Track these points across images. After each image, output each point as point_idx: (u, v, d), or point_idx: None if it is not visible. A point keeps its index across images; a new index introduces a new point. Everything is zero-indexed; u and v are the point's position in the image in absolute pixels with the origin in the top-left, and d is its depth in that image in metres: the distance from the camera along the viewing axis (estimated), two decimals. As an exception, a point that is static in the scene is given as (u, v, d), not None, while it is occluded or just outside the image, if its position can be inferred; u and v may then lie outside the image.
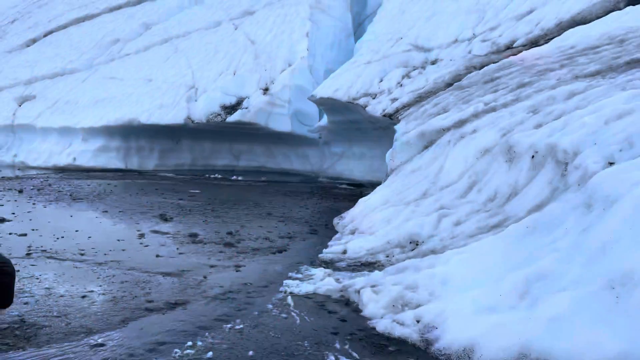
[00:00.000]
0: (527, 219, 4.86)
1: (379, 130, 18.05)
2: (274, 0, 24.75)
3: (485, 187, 6.91)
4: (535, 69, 9.14)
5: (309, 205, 12.29)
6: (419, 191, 7.93)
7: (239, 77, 21.22)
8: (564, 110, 6.92)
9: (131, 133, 21.82)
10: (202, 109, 20.51)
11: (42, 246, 7.21)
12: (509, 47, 15.25)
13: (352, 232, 8.03)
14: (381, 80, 17.06)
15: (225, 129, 21.95)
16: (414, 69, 17.05)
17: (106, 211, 10.34)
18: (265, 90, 20.72)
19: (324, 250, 7.40)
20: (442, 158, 8.21)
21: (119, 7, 32.23)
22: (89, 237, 7.87)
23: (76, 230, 8.32)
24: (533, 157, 6.33)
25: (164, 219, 9.70)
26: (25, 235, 7.88)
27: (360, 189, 16.96)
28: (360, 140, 20.29)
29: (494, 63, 14.27)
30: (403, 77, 16.78)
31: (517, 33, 15.40)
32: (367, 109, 16.02)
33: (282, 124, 20.40)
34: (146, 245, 7.53)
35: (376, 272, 5.87)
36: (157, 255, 6.96)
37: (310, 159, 22.38)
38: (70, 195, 12.53)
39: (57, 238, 7.75)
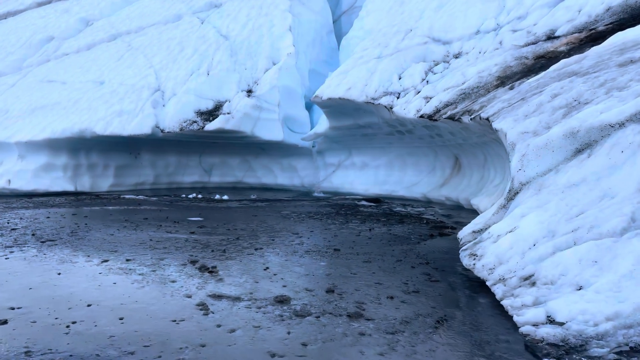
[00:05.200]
0: None
1: (395, 135, 15.57)
2: (244, -9, 21.68)
3: None
4: None
5: (364, 232, 9.49)
6: (616, 215, 5.42)
7: (214, 78, 17.98)
8: None
9: (81, 147, 17.89)
10: (174, 116, 17.09)
11: (50, 349, 3.97)
12: (550, 36, 13.33)
13: (530, 282, 5.36)
14: (400, 77, 14.61)
15: (194, 140, 18.61)
16: (436, 64, 14.74)
17: (106, 260, 6.98)
18: (249, 92, 17.64)
19: (518, 319, 4.71)
20: (632, 165, 5.77)
21: (48, 2, 27.68)
22: (121, 320, 4.65)
23: (88, 305, 5.04)
24: None
25: (204, 268, 6.54)
26: (5, 323, 4.53)
27: (383, 205, 14.33)
28: (362, 149, 17.73)
29: (554, 52, 12.28)
30: (427, 73, 14.43)
31: (556, 21, 13.48)
32: (394, 109, 13.46)
33: (272, 132, 17.39)
34: (231, 330, 4.45)
35: None
36: (273, 355, 3.95)
37: (300, 172, 19.48)
38: (33, 234, 8.90)
39: (67, 325, 4.48)
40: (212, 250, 7.69)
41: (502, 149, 12.02)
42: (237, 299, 5.32)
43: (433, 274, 6.63)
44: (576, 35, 12.44)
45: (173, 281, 5.96)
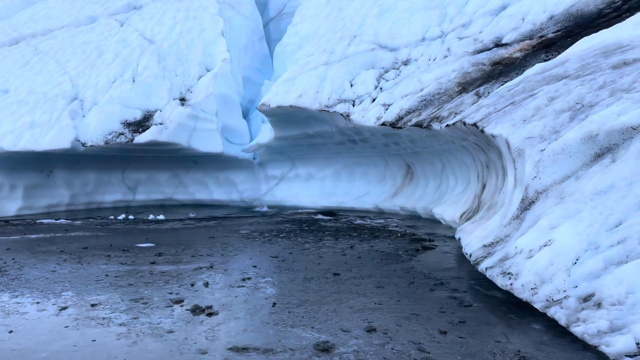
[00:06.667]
0: None
1: (346, 144, 14.91)
2: (168, -7, 20.09)
3: None
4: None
5: (348, 251, 8.65)
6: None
7: (141, 85, 16.30)
8: None
9: (-19, 165, 15.36)
10: (97, 128, 15.21)
11: None
12: (497, 43, 13.48)
13: (594, 303, 4.82)
14: (352, 84, 14.01)
15: (117, 154, 16.75)
16: (386, 71, 14.35)
17: (65, 307, 5.50)
18: (182, 100, 16.16)
19: (608, 350, 4.13)
20: (669, 171, 5.48)
21: None
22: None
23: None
24: None
25: (198, 309, 5.33)
26: None
27: (341, 218, 13.57)
28: (307, 159, 16.90)
29: (510, 58, 12.28)
30: (378, 80, 13.96)
31: (501, 29, 13.71)
32: (351, 117, 12.80)
33: (210, 143, 16.04)
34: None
35: None
36: None
37: (238, 186, 18.22)
38: (-53, 277, 7.03)
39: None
40: (192, 284, 6.43)
41: (467, 157, 11.77)
42: (268, 350, 4.24)
43: (460, 297, 5.93)
44: (527, 42, 12.58)
45: (170, 331, 4.72)
